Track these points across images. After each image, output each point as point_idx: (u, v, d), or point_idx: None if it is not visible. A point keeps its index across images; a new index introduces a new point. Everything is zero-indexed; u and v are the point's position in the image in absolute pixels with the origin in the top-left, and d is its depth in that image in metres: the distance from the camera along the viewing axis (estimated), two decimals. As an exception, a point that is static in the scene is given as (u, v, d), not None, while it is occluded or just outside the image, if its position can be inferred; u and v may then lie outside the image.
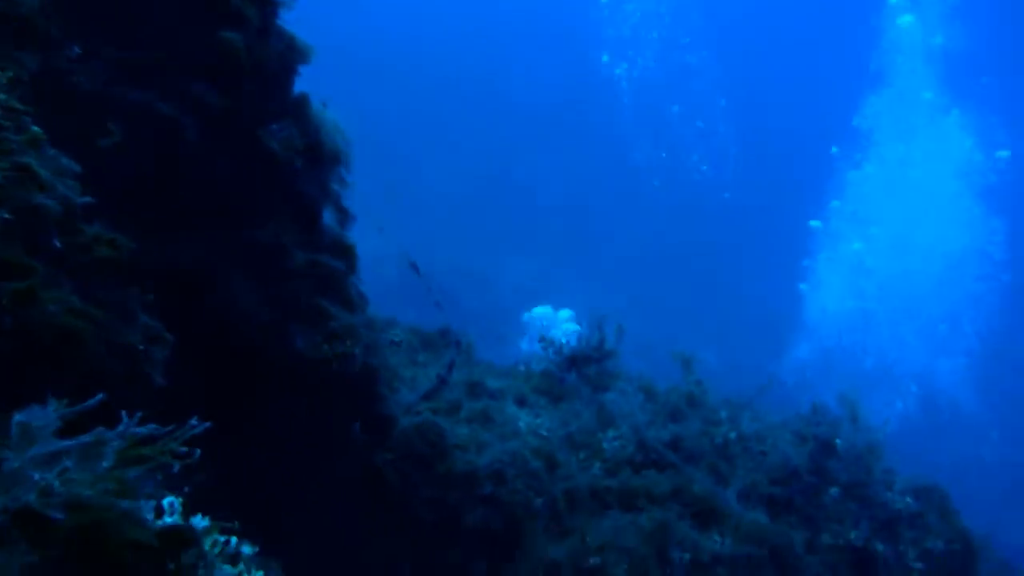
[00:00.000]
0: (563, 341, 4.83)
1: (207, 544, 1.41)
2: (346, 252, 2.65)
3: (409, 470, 2.74)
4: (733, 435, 4.35)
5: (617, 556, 2.95)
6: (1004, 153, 14.12)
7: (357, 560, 2.61)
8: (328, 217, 2.83)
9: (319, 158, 2.48)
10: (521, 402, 4.53)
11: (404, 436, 2.83)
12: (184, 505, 1.48)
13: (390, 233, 4.24)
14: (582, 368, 4.80)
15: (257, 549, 1.54)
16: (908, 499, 4.14)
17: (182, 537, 1.28)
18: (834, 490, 4.11)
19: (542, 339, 5.02)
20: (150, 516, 1.32)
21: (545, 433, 4.16)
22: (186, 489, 1.82)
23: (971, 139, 13.38)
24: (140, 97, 1.91)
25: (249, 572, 1.48)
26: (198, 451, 1.38)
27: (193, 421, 1.37)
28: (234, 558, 1.49)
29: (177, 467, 1.35)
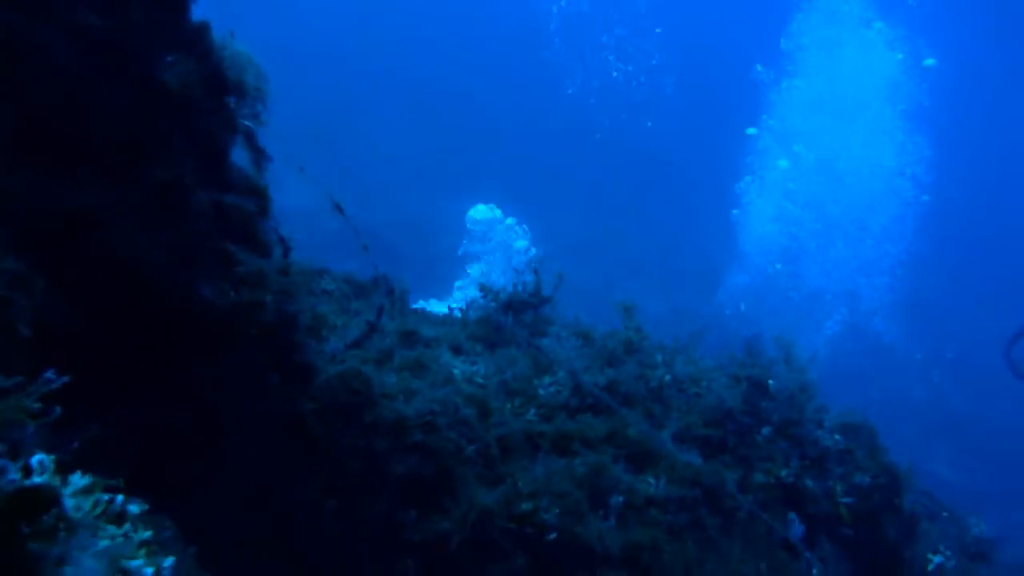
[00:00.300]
0: (500, 287, 4.75)
1: (88, 504, 1.30)
2: (258, 193, 2.49)
3: (333, 420, 2.64)
4: (668, 378, 4.36)
5: (550, 501, 2.92)
6: (930, 62, 14.27)
7: (278, 512, 2.52)
8: (241, 157, 2.66)
9: (223, 91, 2.31)
10: (457, 350, 4.45)
11: (328, 385, 2.72)
12: (67, 463, 1.37)
13: (326, 181, 4.06)
14: (519, 314, 4.74)
15: (147, 507, 1.43)
16: (837, 436, 4.22)
17: (40, 498, 1.16)
18: (766, 430, 4.16)
19: (481, 287, 4.93)
20: (16, 476, 1.20)
21: (481, 380, 4.10)
22: (74, 445, 1.69)
23: (899, 54, 13.34)
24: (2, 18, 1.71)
25: (136, 531, 1.38)
26: (58, 408, 1.25)
27: (49, 374, 1.24)
28: (120, 517, 1.38)
29: (33, 427, 1.22)
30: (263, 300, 2.20)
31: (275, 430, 2.53)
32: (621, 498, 3.15)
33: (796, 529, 3.98)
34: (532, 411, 3.83)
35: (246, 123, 2.66)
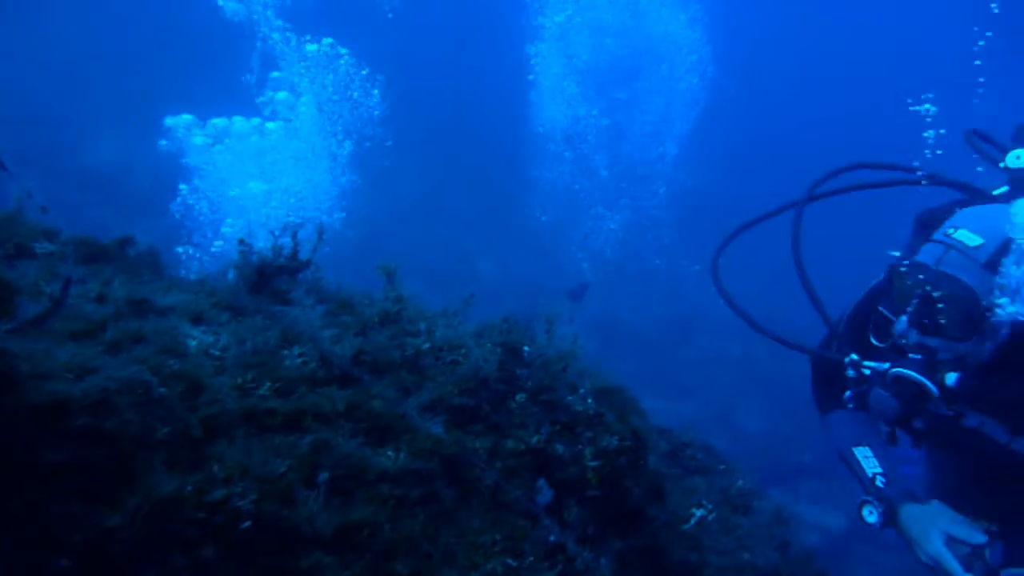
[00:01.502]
0: (251, 248, 4.41)
1: None
2: None
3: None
4: (426, 346, 4.23)
5: (249, 485, 2.69)
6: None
7: None
8: None
9: None
10: (198, 319, 4.10)
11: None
12: None
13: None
14: (272, 280, 4.43)
15: None
16: (590, 400, 4.27)
17: None
18: (520, 396, 4.13)
19: (240, 242, 4.55)
20: None
21: (217, 353, 3.79)
22: None
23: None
24: None
25: None
26: None
27: None
28: None
29: None
30: None
31: None
32: (326, 474, 2.97)
33: (545, 495, 4.00)
34: (267, 385, 3.57)
35: None
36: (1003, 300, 2.99)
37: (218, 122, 11.01)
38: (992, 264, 3.10)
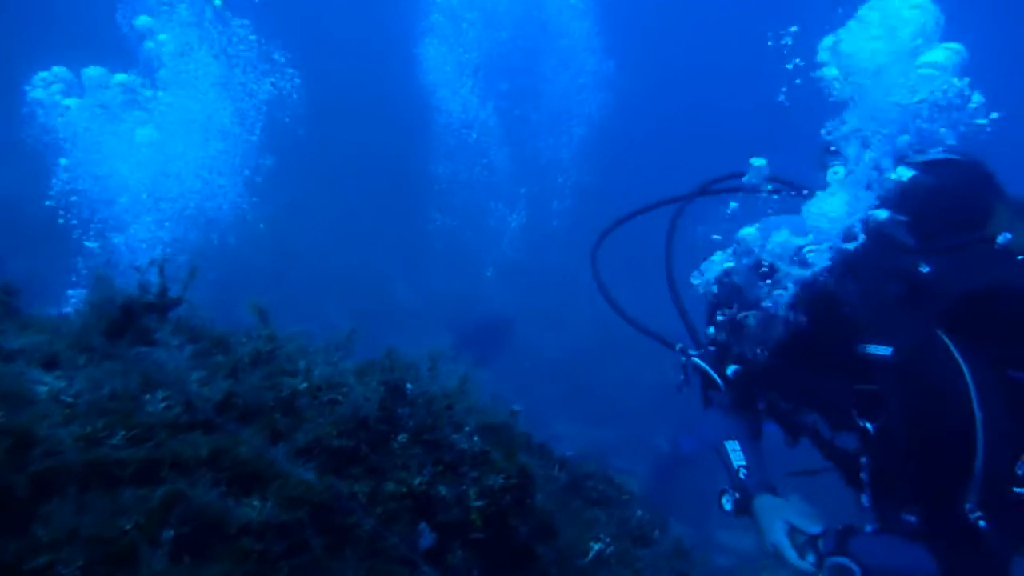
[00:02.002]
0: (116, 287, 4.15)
1: None
2: None
3: None
4: (304, 385, 4.05)
5: (77, 548, 2.47)
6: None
7: None
8: None
9: None
10: (52, 363, 3.83)
11: None
12: None
13: None
14: (138, 319, 4.18)
15: None
16: (476, 438, 4.16)
17: None
18: (403, 436, 3.99)
19: (98, 279, 4.27)
20: None
21: (69, 399, 3.53)
22: None
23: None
24: None
25: None
26: None
27: None
28: None
29: None
30: None
31: None
32: (171, 532, 2.76)
33: (426, 539, 3.86)
34: (121, 434, 3.33)
35: None
36: (767, 304, 3.20)
37: (92, 72, 9.07)
38: (758, 267, 3.48)
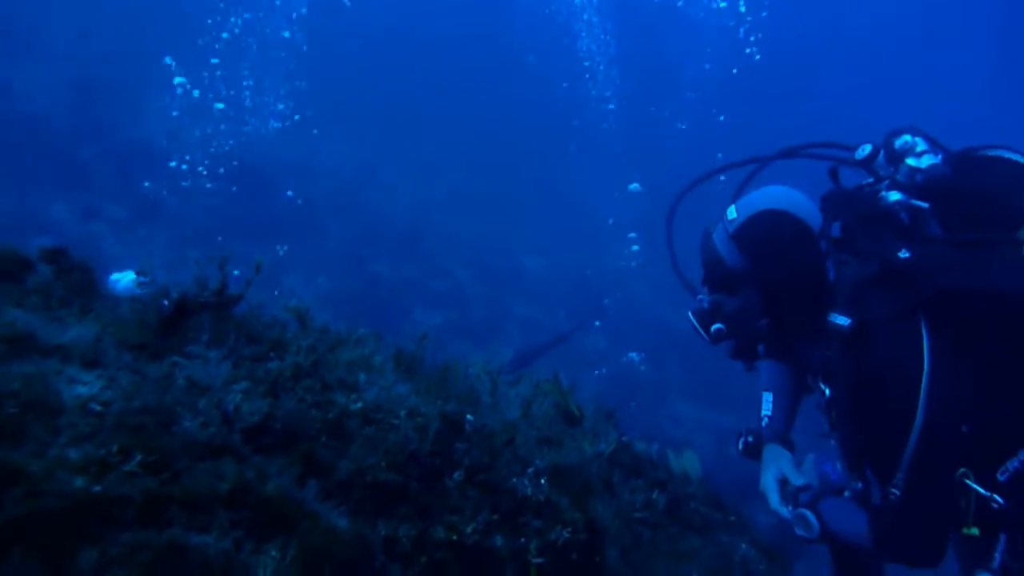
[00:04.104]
0: (166, 282, 3.86)
1: None
2: None
3: None
4: (357, 405, 3.63)
5: None
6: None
7: None
8: None
9: None
10: (93, 362, 3.58)
11: None
12: None
13: None
14: (193, 317, 3.88)
15: None
16: (543, 481, 3.62)
17: None
18: (457, 474, 3.50)
19: (139, 273, 3.98)
20: None
21: (99, 407, 3.26)
22: None
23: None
24: None
25: None
26: None
27: None
28: None
29: None
30: None
31: None
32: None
33: None
34: (136, 459, 3.02)
35: None
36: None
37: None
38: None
